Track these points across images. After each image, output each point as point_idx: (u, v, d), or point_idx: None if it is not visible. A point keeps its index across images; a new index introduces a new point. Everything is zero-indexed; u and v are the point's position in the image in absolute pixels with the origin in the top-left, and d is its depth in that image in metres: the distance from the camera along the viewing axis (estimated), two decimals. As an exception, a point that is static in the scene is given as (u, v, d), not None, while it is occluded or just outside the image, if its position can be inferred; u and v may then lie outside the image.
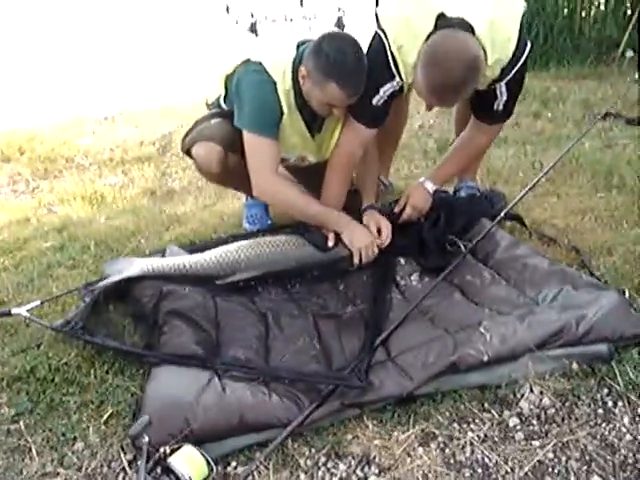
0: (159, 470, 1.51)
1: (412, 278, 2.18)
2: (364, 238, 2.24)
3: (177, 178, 3.83)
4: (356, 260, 2.24)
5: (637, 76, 4.93)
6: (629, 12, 5.60)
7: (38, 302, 2.14)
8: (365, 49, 2.16)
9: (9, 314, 2.06)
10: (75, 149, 4.50)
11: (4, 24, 8.87)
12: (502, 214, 2.31)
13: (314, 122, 2.31)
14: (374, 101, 2.19)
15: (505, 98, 2.20)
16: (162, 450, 1.51)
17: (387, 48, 2.12)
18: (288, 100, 2.19)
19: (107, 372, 1.89)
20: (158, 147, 4.49)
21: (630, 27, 5.39)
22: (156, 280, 2.12)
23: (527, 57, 2.16)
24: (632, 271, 2.14)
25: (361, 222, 2.33)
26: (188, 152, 2.37)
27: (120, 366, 1.91)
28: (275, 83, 2.16)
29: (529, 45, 2.16)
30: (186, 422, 1.59)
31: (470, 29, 1.99)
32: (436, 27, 2.01)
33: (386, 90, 2.18)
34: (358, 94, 2.11)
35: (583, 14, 5.75)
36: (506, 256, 2.20)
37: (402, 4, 2.12)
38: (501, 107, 2.24)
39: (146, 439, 1.53)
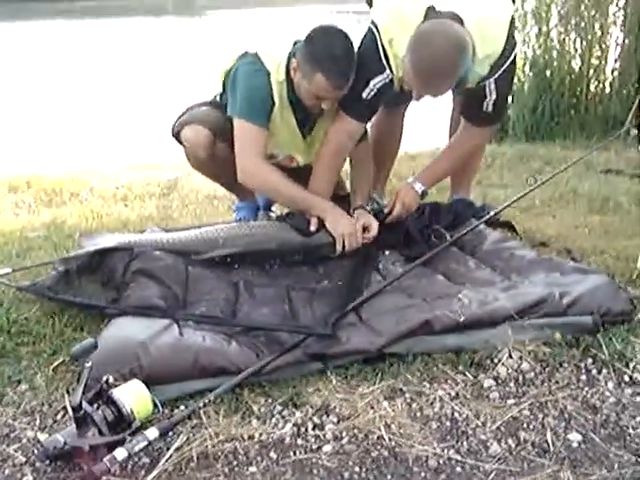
0: (101, 402, 1.41)
1: (395, 265, 2.10)
2: (348, 226, 2.19)
3: (177, 210, 3.84)
4: (339, 247, 2.17)
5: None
6: (632, 93, 5.72)
7: (9, 269, 2.09)
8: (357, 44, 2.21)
9: (-22, 278, 2.01)
10: (81, 186, 4.54)
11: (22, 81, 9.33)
12: (492, 213, 2.26)
13: (306, 121, 2.32)
14: (364, 94, 2.20)
15: (494, 97, 2.19)
16: (105, 379, 1.41)
17: (378, 41, 2.15)
18: (280, 92, 2.21)
19: (66, 326, 1.81)
20: (163, 187, 4.53)
21: (634, 107, 5.50)
22: (130, 250, 2.06)
23: (515, 56, 2.18)
24: (624, 267, 2.05)
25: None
26: (177, 137, 2.38)
27: (80, 322, 1.83)
28: (269, 73, 2.19)
29: (518, 45, 2.19)
30: (136, 358, 1.49)
31: (459, 21, 2.03)
32: (426, 19, 2.06)
33: (376, 83, 2.18)
34: (344, 86, 2.12)
35: (589, 95, 5.89)
36: (493, 248, 2.13)
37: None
38: (490, 107, 2.22)
39: (88, 364, 1.43)
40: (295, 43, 2.27)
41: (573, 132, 5.75)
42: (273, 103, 2.21)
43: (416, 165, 4.50)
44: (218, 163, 2.35)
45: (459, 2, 2.08)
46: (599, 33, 5.61)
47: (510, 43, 2.13)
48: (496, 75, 2.14)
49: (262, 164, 2.21)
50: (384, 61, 2.15)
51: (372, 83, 2.18)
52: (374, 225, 2.25)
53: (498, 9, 2.15)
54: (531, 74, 5.83)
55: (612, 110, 5.84)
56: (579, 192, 3.04)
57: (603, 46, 5.68)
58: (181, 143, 2.38)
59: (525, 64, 5.81)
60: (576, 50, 5.73)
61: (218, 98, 2.41)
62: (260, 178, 2.22)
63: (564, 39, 5.73)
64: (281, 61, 2.21)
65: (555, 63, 5.75)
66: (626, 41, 5.47)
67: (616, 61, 5.70)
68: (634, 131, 5.60)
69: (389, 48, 2.13)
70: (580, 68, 5.78)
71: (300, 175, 2.42)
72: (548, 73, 5.81)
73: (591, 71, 5.77)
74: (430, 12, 2.05)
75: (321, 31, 2.15)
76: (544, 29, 5.70)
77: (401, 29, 2.08)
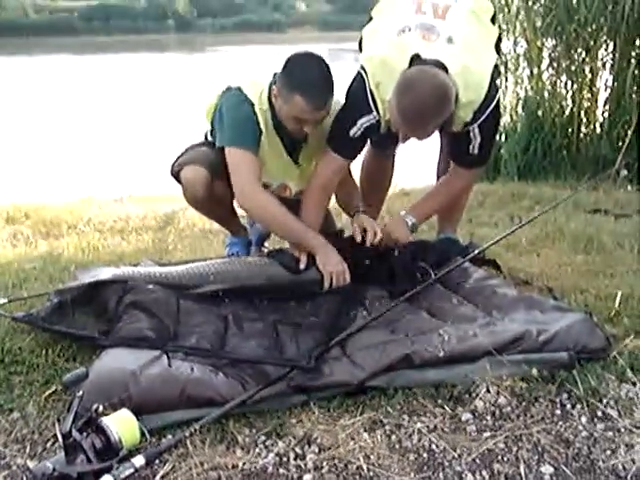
0: (90, 430, 1.46)
1: (380, 301, 2.15)
2: (337, 264, 2.25)
3: (172, 244, 3.90)
4: (326, 284, 2.23)
5: (630, 188, 5.07)
6: (622, 134, 5.84)
7: (5, 300, 2.15)
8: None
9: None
10: (79, 218, 4.61)
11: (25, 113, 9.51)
12: (476, 251, 2.33)
13: (292, 147, 2.39)
14: (351, 133, 2.28)
15: (479, 140, 2.28)
16: (95, 407, 1.46)
17: (366, 84, 2.24)
18: (266, 120, 2.29)
19: (59, 356, 1.86)
20: (160, 221, 4.60)
21: (623, 148, 5.61)
22: (124, 283, 2.12)
23: (498, 101, 2.27)
24: (603, 305, 2.12)
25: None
26: (176, 176, 2.45)
27: (73, 352, 1.88)
28: (253, 104, 2.28)
29: (500, 92, 2.28)
30: (125, 387, 1.55)
31: (443, 68, 2.12)
32: (411, 65, 2.15)
33: (363, 123, 2.26)
34: (323, 107, 2.18)
35: (580, 135, 6.01)
36: (476, 285, 2.19)
37: (381, 46, 2.27)
38: (476, 150, 2.30)
39: (80, 393, 1.48)
40: (275, 75, 2.34)
41: (564, 172, 5.86)
42: (260, 131, 2.29)
43: (409, 201, 4.60)
44: (215, 202, 2.43)
45: (444, 51, 2.18)
46: (589, 76, 5.75)
47: (492, 90, 2.22)
48: (479, 121, 2.23)
49: (260, 188, 2.29)
50: (371, 104, 2.24)
51: (359, 122, 2.27)
52: (376, 228, 2.35)
53: (481, 58, 2.25)
54: (523, 114, 5.97)
55: (602, 151, 5.95)
56: (565, 231, 3.11)
57: (593, 89, 5.82)
58: (180, 182, 2.44)
59: (518, 104, 5.96)
60: (567, 92, 5.88)
61: (209, 135, 2.48)
62: (258, 200, 2.28)
63: (555, 81, 5.88)
64: (263, 90, 2.30)
65: (547, 104, 5.90)
66: (615, 84, 5.61)
67: (606, 103, 5.83)
68: (624, 172, 5.70)
69: (376, 92, 2.22)
70: (571, 109, 5.92)
71: (291, 208, 2.49)
72: (540, 114, 5.95)
73: (582, 112, 5.91)
74: (415, 59, 2.15)
75: (298, 57, 2.25)
76: (535, 71, 5.86)
77: (387, 75, 2.17)
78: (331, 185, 2.41)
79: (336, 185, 2.42)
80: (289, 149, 2.38)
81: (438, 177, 2.78)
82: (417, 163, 4.90)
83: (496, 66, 2.29)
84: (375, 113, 2.25)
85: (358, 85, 2.27)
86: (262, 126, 2.27)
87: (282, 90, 2.19)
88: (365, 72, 2.25)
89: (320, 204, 2.43)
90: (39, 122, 9.30)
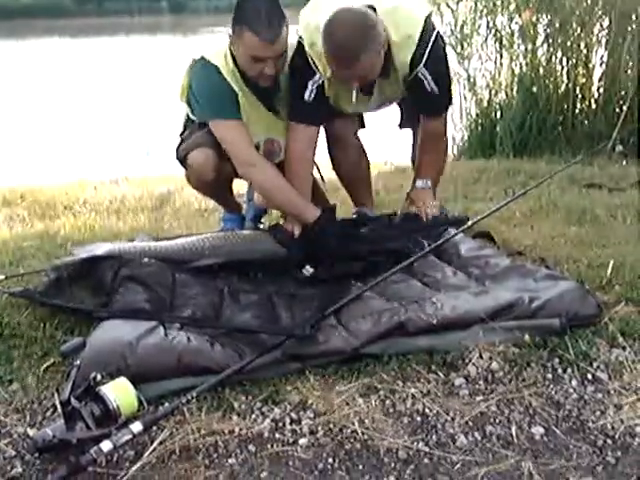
0: (88, 398, 1.48)
1: (375, 272, 2.16)
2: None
3: (168, 222, 3.91)
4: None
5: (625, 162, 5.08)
6: (617, 109, 5.84)
7: (2, 276, 2.17)
8: None
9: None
10: (75, 199, 4.62)
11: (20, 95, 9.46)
12: (469, 223, 2.35)
13: (267, 98, 2.38)
14: (306, 97, 2.29)
15: (430, 78, 2.25)
16: (92, 375, 1.48)
17: (305, 49, 2.25)
18: (235, 79, 2.27)
19: (57, 330, 1.89)
20: (156, 201, 4.61)
21: (619, 124, 5.61)
22: (120, 257, 2.13)
23: (439, 42, 2.27)
24: (595, 274, 2.14)
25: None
26: (183, 160, 2.44)
27: (71, 325, 1.90)
28: (217, 67, 2.26)
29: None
30: (123, 357, 1.57)
31: (371, 8, 2.14)
32: None
33: (313, 84, 2.28)
34: (275, 39, 2.14)
35: (575, 111, 6.00)
36: (469, 255, 2.21)
37: (316, 10, 2.26)
38: (435, 88, 2.27)
39: (77, 362, 1.50)
40: None
41: (560, 148, 5.84)
42: (236, 93, 2.28)
43: (407, 177, 4.57)
44: (221, 182, 2.45)
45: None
46: (584, 52, 5.72)
47: (429, 31, 2.22)
48: (423, 61, 2.22)
49: (258, 154, 2.31)
50: (312, 65, 2.26)
51: (310, 84, 2.29)
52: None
53: (414, 5, 2.28)
54: (519, 91, 5.95)
55: (598, 127, 5.93)
56: (559, 204, 3.13)
57: (589, 65, 5.79)
58: (185, 166, 2.44)
59: (513, 81, 5.93)
60: (562, 68, 5.85)
61: (190, 115, 2.45)
62: (259, 170, 2.30)
63: (550, 57, 5.84)
64: (225, 51, 2.29)
65: (542, 80, 5.87)
66: (610, 60, 5.59)
67: (601, 79, 5.81)
68: (619, 147, 5.69)
69: (311, 51, 2.23)
70: (566, 85, 5.89)
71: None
72: (535, 90, 5.92)
73: (577, 88, 5.89)
74: None
75: None
76: (530, 47, 5.82)
77: (318, 30, 2.15)
78: (306, 157, 2.41)
79: (312, 156, 2.42)
80: (265, 101, 2.37)
81: (413, 162, 2.79)
82: (408, 139, 4.90)
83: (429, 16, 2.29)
84: (318, 74, 2.26)
85: (298, 51, 2.28)
86: (235, 87, 2.26)
87: (234, 32, 2.19)
88: (301, 38, 2.27)
89: (302, 180, 2.40)
90: (33, 106, 9.24)
